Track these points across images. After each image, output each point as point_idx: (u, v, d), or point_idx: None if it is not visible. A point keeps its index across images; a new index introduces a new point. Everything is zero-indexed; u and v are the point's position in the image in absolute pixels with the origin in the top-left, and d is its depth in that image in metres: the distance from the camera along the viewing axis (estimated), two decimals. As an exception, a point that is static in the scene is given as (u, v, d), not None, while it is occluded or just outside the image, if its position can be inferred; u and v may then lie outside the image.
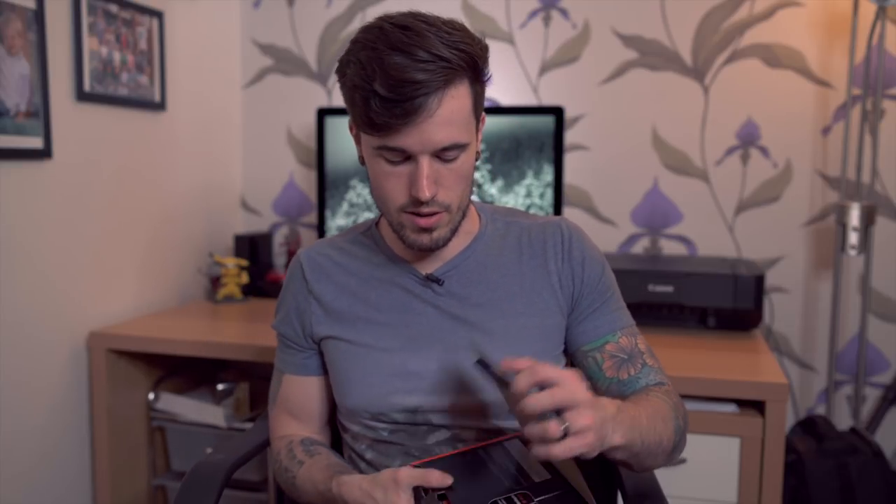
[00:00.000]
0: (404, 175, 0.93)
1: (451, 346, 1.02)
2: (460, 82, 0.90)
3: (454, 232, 0.99)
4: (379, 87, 0.86)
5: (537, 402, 0.78)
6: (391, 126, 0.88)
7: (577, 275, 1.04)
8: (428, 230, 0.96)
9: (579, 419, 0.77)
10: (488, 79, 0.96)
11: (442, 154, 0.91)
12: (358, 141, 0.99)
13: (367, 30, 0.91)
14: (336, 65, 0.96)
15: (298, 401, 1.14)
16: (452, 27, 0.90)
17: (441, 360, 1.01)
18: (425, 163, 0.90)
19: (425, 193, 0.90)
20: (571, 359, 1.08)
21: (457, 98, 0.89)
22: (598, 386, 1.04)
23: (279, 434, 1.16)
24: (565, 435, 0.77)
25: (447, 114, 0.88)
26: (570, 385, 0.79)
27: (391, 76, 0.85)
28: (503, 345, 1.01)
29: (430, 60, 0.86)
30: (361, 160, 1.00)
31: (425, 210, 0.94)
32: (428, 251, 1.01)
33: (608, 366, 1.03)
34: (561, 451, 0.77)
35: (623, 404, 0.89)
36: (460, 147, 0.92)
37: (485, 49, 0.93)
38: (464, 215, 1.00)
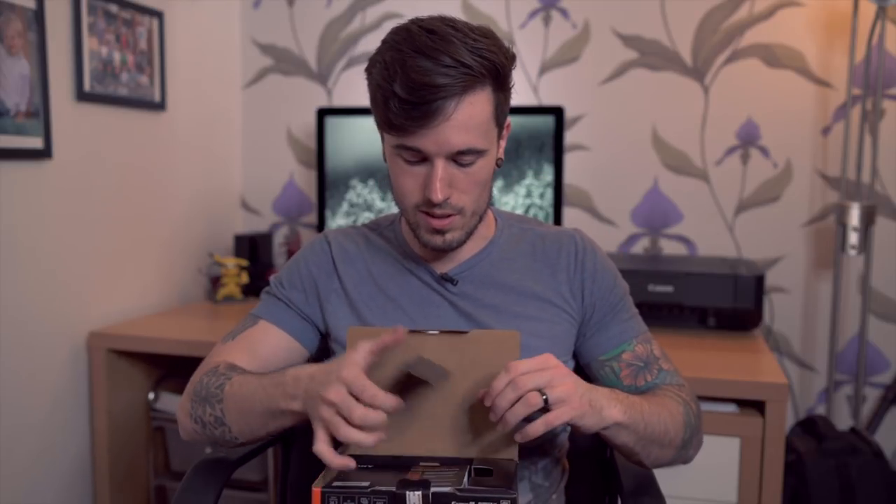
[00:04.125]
0: (420, 175, 0.94)
1: None
2: (481, 89, 0.90)
3: (469, 235, 1.00)
4: (399, 88, 0.87)
5: (519, 383, 0.82)
6: (407, 127, 0.89)
7: (588, 286, 1.05)
8: (441, 232, 0.97)
9: (557, 388, 0.83)
10: (511, 86, 0.97)
11: (458, 158, 0.92)
12: (383, 138, 1.01)
13: (396, 31, 0.92)
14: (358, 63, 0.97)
15: (264, 348, 1.06)
16: (480, 34, 0.91)
17: None
18: (440, 165, 0.91)
19: (438, 196, 0.92)
20: (587, 369, 1.08)
21: (476, 104, 0.90)
22: None
23: (218, 360, 1.04)
24: (546, 409, 0.83)
25: (464, 119, 0.89)
26: (549, 363, 0.84)
27: (411, 79, 0.86)
28: None
29: (451, 66, 0.86)
30: (385, 156, 1.01)
31: (438, 212, 0.95)
32: (441, 252, 1.02)
33: (625, 374, 1.04)
34: (543, 424, 0.82)
35: (622, 392, 0.92)
36: (477, 153, 0.93)
37: (510, 58, 0.94)
38: (480, 220, 1.01)
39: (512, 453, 0.89)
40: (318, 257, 1.10)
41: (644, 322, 1.10)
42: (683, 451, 1.00)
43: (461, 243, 1.00)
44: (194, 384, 1.01)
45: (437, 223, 0.96)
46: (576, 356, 1.09)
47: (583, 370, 1.09)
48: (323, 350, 1.15)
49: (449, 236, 0.97)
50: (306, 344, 1.09)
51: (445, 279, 1.04)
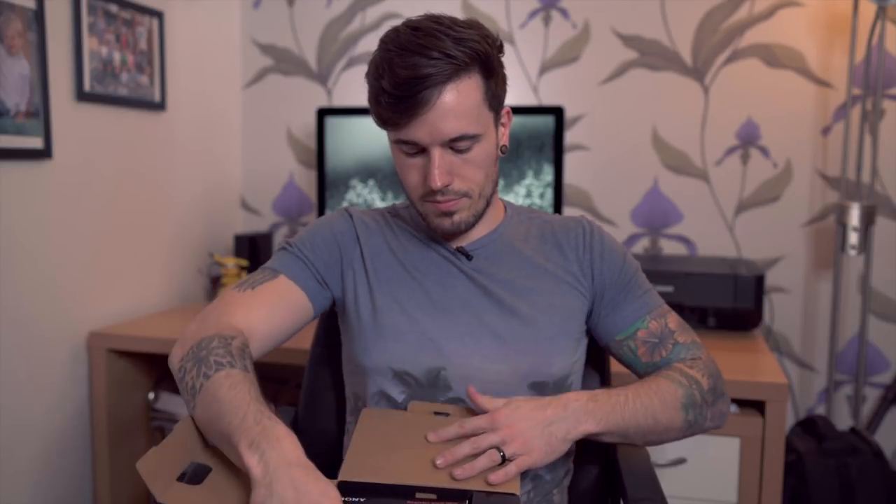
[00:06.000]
0: (420, 166, 0.98)
1: (479, 314, 1.05)
2: (468, 76, 0.94)
3: (477, 217, 1.04)
4: (386, 84, 0.92)
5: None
6: (398, 121, 0.94)
7: (597, 266, 1.08)
8: (449, 214, 1.01)
9: (512, 445, 0.89)
10: (502, 75, 1.00)
11: (453, 145, 0.96)
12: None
13: (387, 33, 0.96)
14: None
15: (283, 306, 1.04)
16: (465, 26, 0.95)
17: (469, 326, 1.04)
18: (437, 154, 0.95)
19: (437, 183, 0.95)
20: (607, 350, 1.12)
21: (463, 91, 0.93)
22: (637, 372, 1.10)
23: (235, 320, 0.99)
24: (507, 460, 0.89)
25: (452, 106, 0.93)
26: (497, 423, 0.91)
27: (396, 74, 0.91)
28: (528, 319, 1.04)
29: (436, 58, 0.91)
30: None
31: (441, 198, 0.99)
32: (451, 235, 1.06)
33: (643, 352, 1.08)
34: (515, 467, 0.88)
35: (603, 392, 0.97)
36: (471, 138, 0.96)
37: (495, 45, 0.97)
38: (488, 204, 1.05)
39: (513, 487, 0.87)
40: (342, 226, 1.12)
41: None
42: (695, 428, 1.02)
43: (469, 225, 1.03)
44: (203, 332, 0.96)
45: (444, 206, 0.99)
46: (594, 338, 1.12)
47: (602, 353, 1.16)
48: (330, 316, 1.18)
49: (457, 217, 1.01)
50: (317, 308, 1.09)
51: (461, 252, 1.08)
